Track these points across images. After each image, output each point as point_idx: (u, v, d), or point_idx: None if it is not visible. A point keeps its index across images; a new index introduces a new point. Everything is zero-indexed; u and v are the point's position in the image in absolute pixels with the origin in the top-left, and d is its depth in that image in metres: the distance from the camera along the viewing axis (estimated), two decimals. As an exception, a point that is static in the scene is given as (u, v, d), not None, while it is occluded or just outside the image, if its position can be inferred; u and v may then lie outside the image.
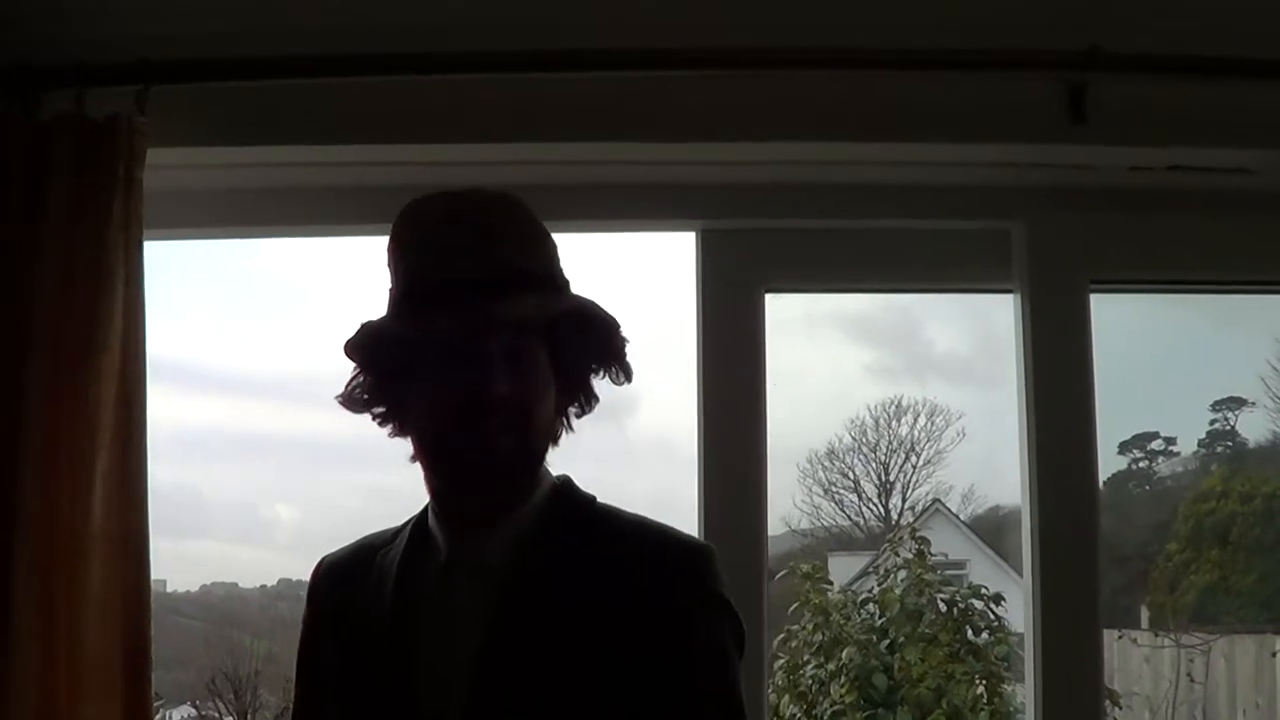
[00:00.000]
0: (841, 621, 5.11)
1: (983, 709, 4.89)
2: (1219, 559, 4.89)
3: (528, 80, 2.62)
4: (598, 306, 1.88)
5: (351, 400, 1.92)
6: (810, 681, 5.03)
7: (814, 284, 2.90)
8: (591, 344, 1.89)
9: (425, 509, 1.95)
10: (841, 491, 5.72)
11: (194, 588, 6.92)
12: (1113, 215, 2.74)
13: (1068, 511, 2.65)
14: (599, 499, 1.95)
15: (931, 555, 5.12)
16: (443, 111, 2.63)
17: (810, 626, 5.12)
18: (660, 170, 2.75)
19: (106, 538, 2.40)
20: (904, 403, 5.56)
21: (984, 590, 5.06)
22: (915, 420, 5.60)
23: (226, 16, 2.63)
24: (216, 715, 6.20)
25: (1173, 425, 4.70)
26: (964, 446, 5.43)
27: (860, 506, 5.78)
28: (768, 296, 2.78)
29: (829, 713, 4.91)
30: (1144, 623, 4.98)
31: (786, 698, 5.03)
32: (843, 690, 4.90)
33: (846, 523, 5.77)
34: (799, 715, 5.04)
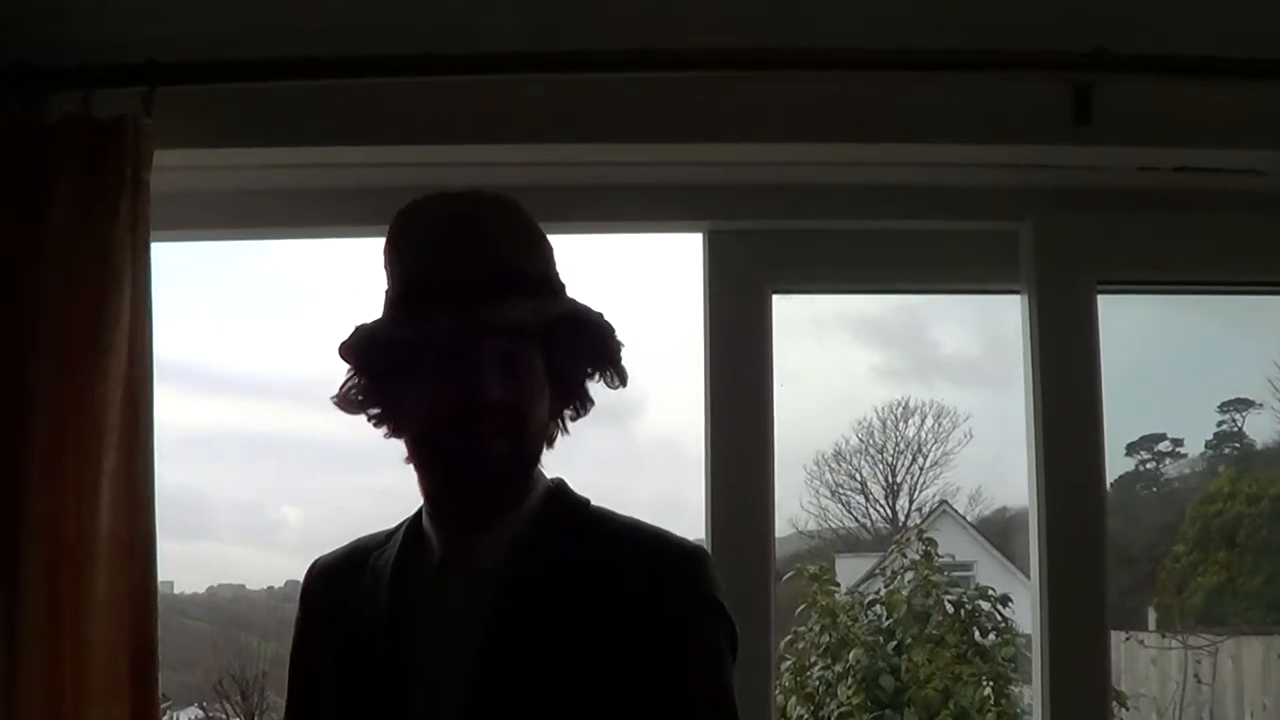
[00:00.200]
0: (849, 623, 5.12)
1: (990, 710, 4.89)
2: (1226, 560, 4.89)
3: (534, 82, 2.62)
4: (593, 311, 1.87)
5: (347, 401, 1.91)
6: (817, 683, 5.04)
7: (821, 285, 2.90)
8: (587, 348, 1.89)
9: (419, 511, 1.95)
10: (848, 493, 5.74)
11: (200, 589, 6.93)
12: (1120, 216, 2.73)
13: (1075, 513, 2.64)
14: (604, 502, 1.95)
15: (938, 557, 5.13)
16: (448, 113, 2.63)
17: (817, 628, 5.13)
18: (667, 171, 2.75)
19: (113, 539, 2.40)
20: (911, 404, 5.57)
21: (991, 591, 5.07)
22: (922, 422, 5.62)
23: (232, 18, 2.63)
24: (224, 717, 6.20)
25: (1180, 427, 4.70)
26: (971, 448, 5.45)
27: (867, 508, 5.80)
28: (775, 297, 2.78)
29: (836, 714, 4.92)
30: (1151, 624, 4.99)
31: (794, 699, 5.04)
32: (850, 691, 4.91)
33: (853, 524, 5.79)
34: (806, 716, 5.05)
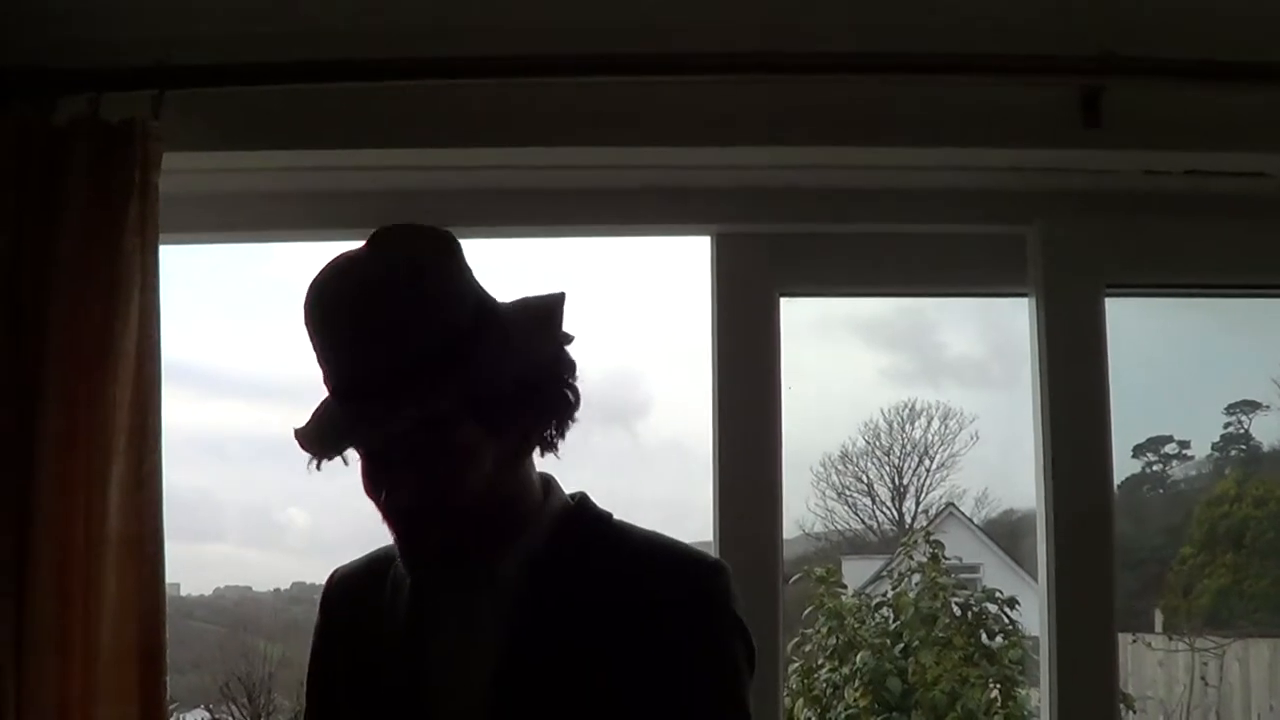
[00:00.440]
0: (855, 625, 5.11)
1: (997, 713, 4.89)
2: (1233, 562, 4.89)
3: (544, 86, 2.62)
4: (509, 356, 1.79)
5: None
6: (824, 685, 5.03)
7: (829, 288, 2.90)
8: (526, 398, 1.82)
9: None
10: (855, 495, 5.74)
11: (207, 591, 6.93)
12: (1128, 219, 2.73)
13: (1083, 515, 2.64)
14: (609, 504, 1.94)
15: (945, 559, 5.12)
16: (459, 117, 2.63)
17: (824, 630, 5.12)
18: (676, 174, 2.75)
19: (123, 540, 2.40)
20: (918, 406, 5.57)
21: (998, 594, 5.06)
22: (929, 424, 5.62)
23: (242, 21, 2.63)
24: (230, 719, 6.20)
25: (1187, 429, 4.70)
26: (977, 450, 5.44)
27: (874, 510, 5.80)
28: (783, 300, 2.78)
29: (843, 716, 4.91)
30: (1158, 626, 4.99)
31: (801, 701, 5.03)
32: (857, 694, 4.90)
33: (860, 526, 5.78)
34: (813, 718, 5.04)
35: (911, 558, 5.18)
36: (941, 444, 5.63)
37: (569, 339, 1.86)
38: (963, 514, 5.59)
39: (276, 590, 6.86)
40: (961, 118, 2.64)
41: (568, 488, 1.96)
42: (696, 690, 1.79)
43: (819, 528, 5.61)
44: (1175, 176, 2.74)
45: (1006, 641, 5.01)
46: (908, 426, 5.62)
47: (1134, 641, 4.82)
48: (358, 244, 1.86)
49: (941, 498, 5.70)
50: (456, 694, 1.82)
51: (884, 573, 5.40)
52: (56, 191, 2.46)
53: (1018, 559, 5.21)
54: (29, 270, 2.44)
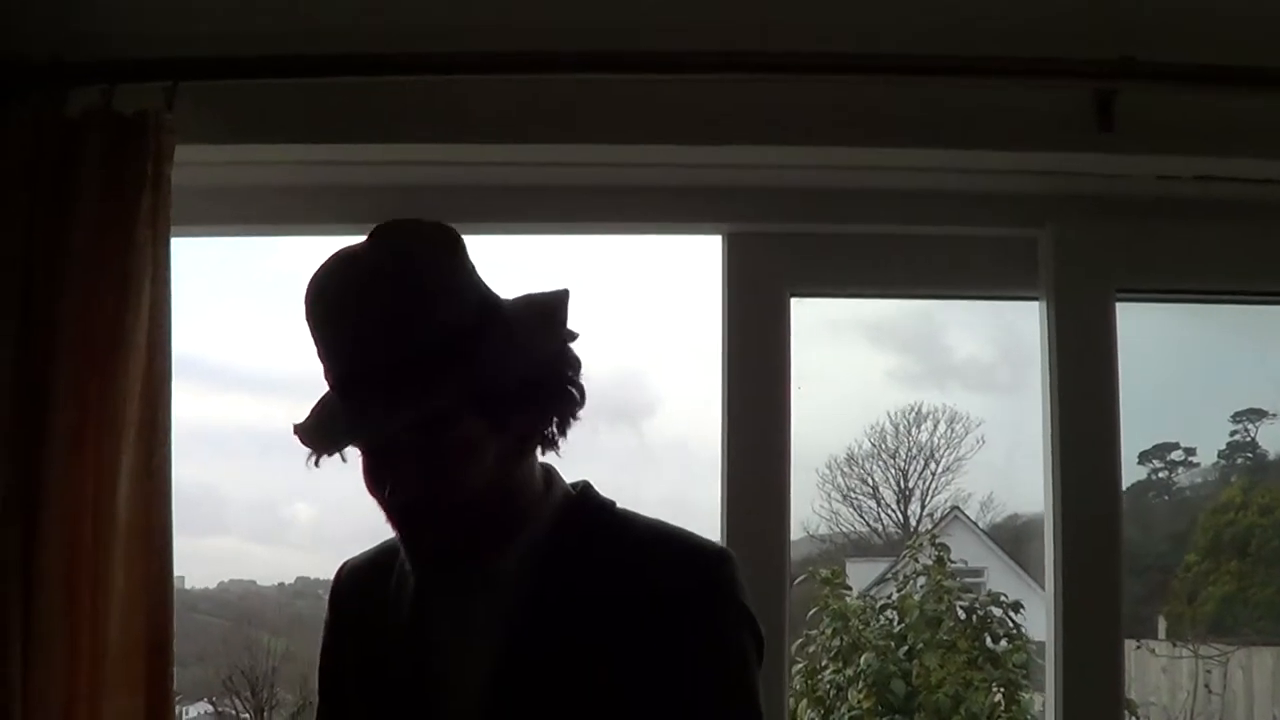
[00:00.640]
0: (860, 627, 5.10)
1: (1000, 716, 4.88)
2: (1238, 570, 4.88)
3: (555, 82, 2.62)
4: (512, 354, 1.78)
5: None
6: (828, 687, 5.02)
7: (840, 289, 2.90)
8: (529, 395, 1.82)
9: None
10: (860, 497, 5.72)
11: (212, 584, 6.93)
12: (1140, 224, 2.73)
13: (1090, 520, 2.65)
14: (616, 503, 1.94)
15: (950, 562, 5.11)
16: (470, 112, 2.64)
17: (829, 632, 5.11)
18: (687, 173, 2.75)
19: (131, 532, 2.41)
20: (924, 409, 5.55)
21: (1003, 598, 5.05)
22: (935, 427, 5.60)
23: (255, 14, 2.64)
24: (233, 712, 6.20)
25: (1193, 436, 4.68)
26: (983, 454, 5.42)
27: (879, 513, 5.78)
28: (793, 300, 2.78)
29: (847, 718, 4.90)
30: (1161, 633, 4.97)
31: (805, 702, 5.02)
32: (861, 696, 4.89)
33: (865, 529, 5.77)
34: (816, 720, 5.04)
35: (917, 561, 5.16)
36: (947, 447, 5.61)
37: (573, 336, 1.86)
38: (967, 518, 5.58)
39: (281, 584, 6.86)
40: (975, 120, 2.64)
41: (572, 483, 1.95)
42: (704, 684, 1.78)
43: (824, 529, 5.60)
44: (1187, 182, 2.74)
45: (1011, 645, 5.00)
46: (914, 429, 5.60)
47: (1138, 648, 4.81)
48: (363, 239, 1.85)
49: (946, 501, 5.69)
50: (461, 687, 1.81)
51: (889, 575, 5.39)
52: (69, 183, 2.46)
53: (1022, 563, 5.19)
54: (41, 262, 2.45)
